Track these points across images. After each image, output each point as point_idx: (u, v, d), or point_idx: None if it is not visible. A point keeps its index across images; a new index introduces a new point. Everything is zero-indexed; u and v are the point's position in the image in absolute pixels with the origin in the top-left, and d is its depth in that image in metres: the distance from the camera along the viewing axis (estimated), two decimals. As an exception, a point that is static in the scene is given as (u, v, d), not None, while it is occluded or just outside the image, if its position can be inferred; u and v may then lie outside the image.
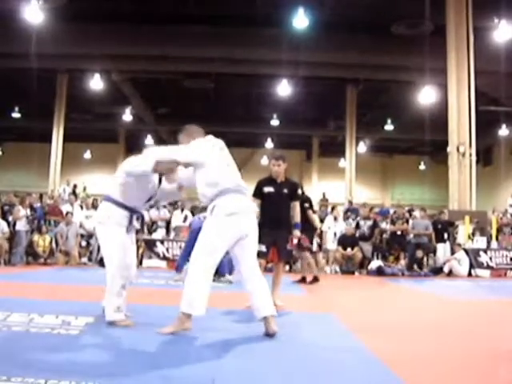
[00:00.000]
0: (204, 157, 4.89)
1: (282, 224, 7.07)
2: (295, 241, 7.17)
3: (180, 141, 5.25)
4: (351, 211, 18.36)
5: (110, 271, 5.08)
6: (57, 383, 3.02)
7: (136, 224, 5.37)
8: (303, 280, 10.77)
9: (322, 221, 16.36)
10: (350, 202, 23.59)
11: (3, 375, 3.11)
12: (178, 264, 10.80)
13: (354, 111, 26.23)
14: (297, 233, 7.14)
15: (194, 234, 11.09)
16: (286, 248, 7.10)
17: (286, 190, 7.13)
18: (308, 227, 10.08)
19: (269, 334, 4.81)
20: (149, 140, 34.98)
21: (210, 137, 5.23)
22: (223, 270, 10.39)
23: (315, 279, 10.70)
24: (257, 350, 4.31)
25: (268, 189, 7.17)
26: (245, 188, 5.03)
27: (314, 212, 11.07)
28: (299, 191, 7.48)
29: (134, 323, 5.09)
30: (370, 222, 15.75)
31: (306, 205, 10.10)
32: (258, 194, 7.21)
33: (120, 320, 5.04)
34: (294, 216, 7.22)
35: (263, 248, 7.10)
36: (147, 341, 4.45)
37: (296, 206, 7.22)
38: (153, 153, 5.00)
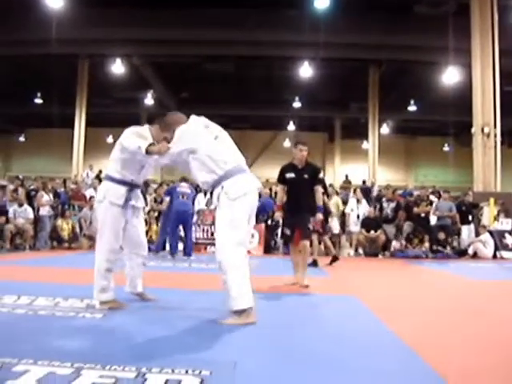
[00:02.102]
0: (197, 141, 4.78)
1: (303, 207, 7.26)
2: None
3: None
4: (364, 191, 18.30)
5: (98, 252, 5.11)
6: (82, 366, 3.04)
7: (137, 202, 5.28)
8: (314, 263, 10.65)
9: (344, 203, 16.33)
10: (364, 182, 23.52)
11: (30, 358, 3.14)
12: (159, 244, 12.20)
13: (377, 92, 26.01)
14: (319, 216, 7.29)
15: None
16: (307, 228, 7.33)
17: (306, 176, 7.32)
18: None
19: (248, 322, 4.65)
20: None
21: (192, 118, 5.15)
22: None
23: (314, 263, 10.55)
24: (279, 333, 4.30)
25: (290, 175, 7.42)
26: (245, 166, 4.89)
27: (328, 195, 11.02)
28: (320, 175, 7.48)
29: (125, 305, 5.13)
30: (393, 204, 15.65)
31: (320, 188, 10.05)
32: (281, 180, 7.57)
33: (107, 300, 5.03)
34: (316, 199, 7.33)
35: (287, 232, 7.46)
36: (171, 324, 4.47)
37: (318, 190, 7.37)
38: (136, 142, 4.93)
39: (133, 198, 5.20)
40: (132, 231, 5.28)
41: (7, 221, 13.47)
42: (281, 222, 14.84)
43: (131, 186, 5.18)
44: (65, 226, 14.35)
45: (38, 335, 3.95)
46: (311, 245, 10.66)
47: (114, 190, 5.09)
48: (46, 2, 17.03)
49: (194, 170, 4.80)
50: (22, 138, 38.68)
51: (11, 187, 15.47)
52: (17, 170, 33.89)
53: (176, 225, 11.93)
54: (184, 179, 12.25)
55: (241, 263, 4.54)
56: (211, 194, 4.78)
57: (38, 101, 29.68)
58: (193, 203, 12.82)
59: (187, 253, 11.90)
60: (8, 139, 38.52)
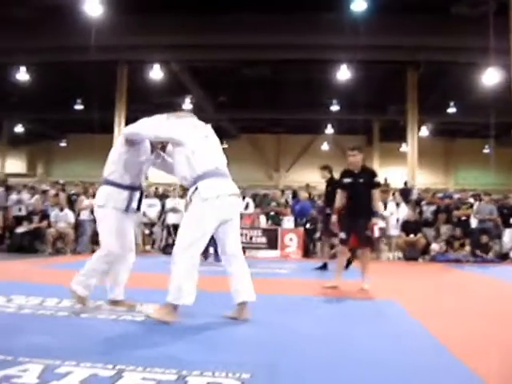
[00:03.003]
0: (184, 134, 4.82)
1: (359, 212, 7.38)
2: (376, 228, 7.60)
3: None
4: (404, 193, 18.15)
5: (98, 253, 5.14)
6: (124, 368, 3.07)
7: (135, 204, 5.25)
8: (324, 267, 10.59)
9: (383, 206, 16.20)
10: (405, 184, 23.30)
11: (72, 360, 3.19)
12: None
13: (415, 94, 25.69)
14: (375, 220, 7.37)
15: None
16: (365, 234, 7.42)
17: (361, 180, 7.45)
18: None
19: (236, 319, 4.83)
20: (209, 129, 35.19)
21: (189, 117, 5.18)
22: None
23: (324, 266, 10.56)
24: (318, 336, 4.29)
25: (346, 180, 7.63)
26: (225, 170, 4.91)
27: None
28: (376, 179, 7.52)
29: (87, 306, 5.14)
30: (433, 207, 15.48)
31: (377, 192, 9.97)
32: (340, 185, 7.79)
33: (80, 294, 5.09)
34: (373, 204, 7.40)
35: (343, 235, 7.56)
36: (209, 328, 4.50)
37: (375, 194, 7.42)
38: (139, 126, 5.07)
39: (133, 202, 5.20)
40: (125, 235, 5.26)
41: (49, 225, 13.69)
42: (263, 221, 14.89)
43: (132, 190, 5.18)
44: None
45: (80, 337, 4.02)
46: (324, 249, 10.71)
47: (117, 195, 5.09)
48: (85, 9, 17.28)
49: (177, 163, 4.87)
50: (63, 144, 39.24)
51: (52, 192, 15.72)
52: (58, 174, 34.39)
53: None
54: None
55: (188, 261, 4.57)
56: (188, 190, 4.85)
57: (79, 107, 30.06)
58: None
59: (218, 258, 11.54)
60: (49, 145, 39.17)
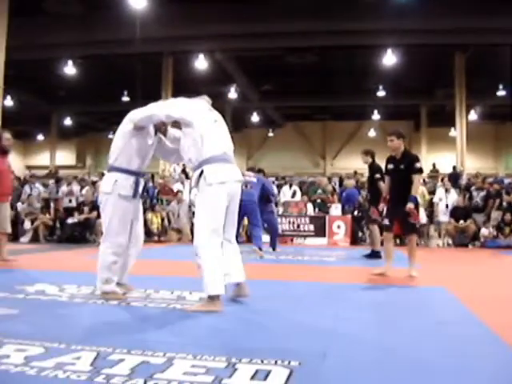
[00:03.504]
0: (194, 115, 4.83)
1: (401, 199, 7.21)
2: (420, 214, 7.48)
3: None
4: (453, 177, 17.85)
5: (104, 246, 5.09)
6: (174, 356, 3.11)
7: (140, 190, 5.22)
8: (374, 254, 10.25)
9: (432, 192, 16.00)
10: (454, 168, 22.94)
11: (124, 348, 3.24)
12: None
13: (463, 78, 25.22)
14: (410, 205, 7.11)
15: None
16: (408, 221, 7.26)
17: (402, 166, 7.35)
18: (378, 199, 9.84)
19: (240, 296, 5.01)
20: (254, 117, 35.24)
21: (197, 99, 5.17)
22: (258, 243, 10.39)
23: (374, 254, 10.22)
24: (367, 323, 4.27)
25: (390, 166, 7.61)
26: (231, 156, 4.92)
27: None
28: (418, 165, 7.35)
29: (125, 296, 5.14)
30: (483, 193, 15.21)
31: (377, 175, 9.77)
32: (385, 171, 7.80)
33: (110, 291, 5.07)
34: (411, 189, 7.25)
35: (386, 222, 7.53)
36: (260, 315, 4.52)
37: (415, 180, 7.26)
38: (148, 109, 5.06)
39: (139, 187, 5.18)
40: (134, 221, 5.25)
41: (99, 216, 13.91)
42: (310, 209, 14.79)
43: (138, 175, 5.17)
44: (154, 220, 14.70)
45: (131, 326, 4.08)
46: (374, 236, 10.43)
47: (124, 181, 5.06)
48: (129, 2, 17.43)
49: (184, 145, 4.87)
50: (110, 135, 39.70)
51: (100, 183, 15.96)
52: (106, 166, 34.98)
53: (241, 218, 10.79)
54: (251, 168, 11.93)
55: (214, 250, 4.59)
56: (193, 174, 4.85)
57: (125, 99, 30.40)
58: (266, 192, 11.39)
59: (260, 245, 10.71)
60: (97, 136, 39.75)
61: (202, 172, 4.65)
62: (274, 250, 11.33)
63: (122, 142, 5.13)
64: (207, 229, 4.59)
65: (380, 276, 7.28)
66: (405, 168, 7.33)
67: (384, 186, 8.01)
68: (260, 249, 10.25)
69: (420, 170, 7.36)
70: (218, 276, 4.56)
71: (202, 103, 5.08)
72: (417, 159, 7.50)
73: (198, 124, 4.77)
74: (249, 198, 10.55)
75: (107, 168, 5.27)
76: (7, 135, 8.57)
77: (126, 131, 5.12)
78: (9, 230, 8.95)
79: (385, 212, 7.74)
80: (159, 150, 5.42)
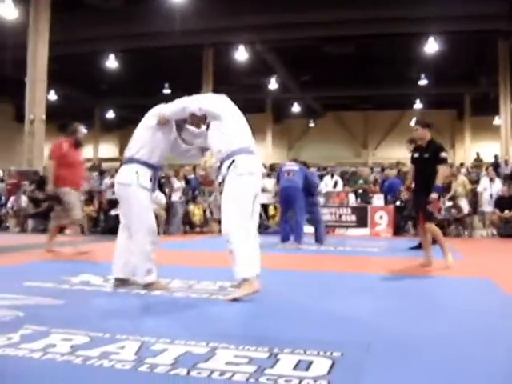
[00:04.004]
0: (222, 109, 4.93)
1: (424, 188, 7.16)
2: (441, 204, 7.36)
3: None
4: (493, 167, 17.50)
5: (141, 236, 5.05)
6: (217, 346, 3.13)
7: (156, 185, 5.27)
8: (420, 246, 10.12)
9: (476, 182, 15.76)
10: (495, 158, 22.56)
11: (167, 338, 3.27)
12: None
13: (508, 65, 24.74)
14: (433, 195, 7.02)
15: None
16: (427, 210, 7.13)
17: (426, 155, 7.26)
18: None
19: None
20: (295, 108, 35.15)
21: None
22: (297, 234, 10.24)
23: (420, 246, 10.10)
24: (411, 314, 4.24)
25: (415, 154, 7.52)
26: (255, 149, 5.02)
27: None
28: (443, 154, 7.22)
29: (169, 287, 5.21)
30: (529, 182, 14.93)
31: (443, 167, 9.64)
32: (411, 160, 7.68)
33: (153, 282, 5.07)
34: (436, 179, 7.13)
35: (413, 213, 7.66)
36: (301, 306, 4.52)
37: (440, 169, 7.12)
38: (179, 103, 5.08)
39: (156, 181, 5.23)
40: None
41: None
42: (352, 199, 14.64)
43: (156, 169, 5.20)
44: (196, 211, 14.82)
45: (174, 316, 4.12)
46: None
47: (144, 174, 5.06)
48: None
49: (212, 137, 4.94)
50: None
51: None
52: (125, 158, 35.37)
53: (284, 206, 10.83)
54: (294, 160, 11.60)
55: (246, 234, 4.62)
56: (220, 166, 4.87)
57: (167, 91, 30.62)
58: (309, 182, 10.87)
59: (296, 238, 10.46)
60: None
61: (232, 162, 4.72)
62: (321, 243, 10.86)
63: (146, 136, 5.16)
64: (237, 215, 4.65)
65: (423, 267, 7.20)
66: (429, 157, 7.22)
67: (409, 174, 7.95)
68: (299, 242, 10.18)
69: (444, 160, 7.22)
70: (252, 258, 4.62)
71: (225, 98, 5.16)
72: (442, 148, 7.36)
73: (226, 117, 4.90)
74: (291, 184, 10.46)
75: (125, 160, 5.26)
76: (82, 129, 8.89)
77: (149, 125, 5.16)
78: (78, 216, 9.14)
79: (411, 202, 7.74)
80: (174, 147, 5.41)
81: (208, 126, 5.02)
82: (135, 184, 5.02)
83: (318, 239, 10.93)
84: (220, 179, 4.86)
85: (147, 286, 5.06)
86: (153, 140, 5.12)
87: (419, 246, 9.99)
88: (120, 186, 5.16)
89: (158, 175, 5.35)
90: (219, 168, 4.90)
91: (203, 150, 5.47)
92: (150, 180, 5.11)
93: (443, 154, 7.20)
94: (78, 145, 8.85)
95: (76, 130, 8.77)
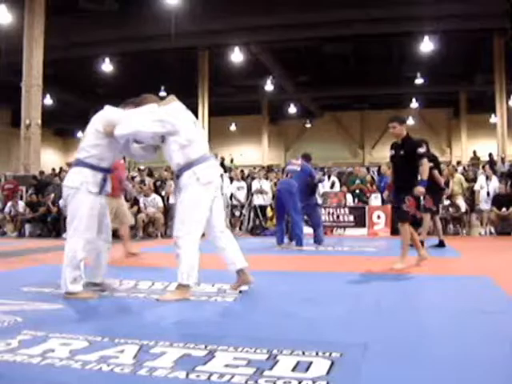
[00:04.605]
0: (177, 121, 4.89)
1: (400, 185, 7.08)
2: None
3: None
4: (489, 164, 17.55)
5: (75, 241, 4.88)
6: (216, 348, 3.13)
7: (108, 187, 5.11)
8: (440, 244, 10.08)
9: (473, 180, 15.77)
10: (490, 156, 22.59)
11: (166, 341, 3.27)
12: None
13: (503, 63, 24.77)
14: (419, 188, 6.86)
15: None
16: (400, 209, 6.98)
17: (402, 152, 7.06)
18: (433, 188, 9.66)
19: (247, 283, 5.11)
20: (291, 109, 35.16)
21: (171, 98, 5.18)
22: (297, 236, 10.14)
23: (440, 244, 10.06)
24: (409, 314, 4.24)
25: (391, 152, 7.31)
26: (210, 154, 5.14)
27: (440, 172, 10.34)
28: (420, 150, 6.99)
29: (97, 295, 5.01)
30: (526, 179, 14.94)
31: (431, 164, 9.64)
32: (390, 158, 7.43)
33: (77, 291, 4.85)
34: (420, 174, 6.99)
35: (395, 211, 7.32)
36: (299, 307, 4.52)
37: (423, 164, 6.94)
38: (132, 124, 4.90)
39: (106, 184, 5.08)
40: (101, 217, 5.12)
41: (139, 210, 14.05)
42: (350, 199, 14.48)
43: (106, 172, 5.06)
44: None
45: (172, 319, 4.12)
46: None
47: (92, 178, 4.92)
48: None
49: (170, 151, 4.90)
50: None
51: (138, 179, 16.11)
52: (147, 161, 35.33)
53: (278, 209, 10.71)
54: (304, 156, 11.10)
55: (195, 242, 4.79)
56: (178, 176, 4.92)
57: (162, 94, 30.58)
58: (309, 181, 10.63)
59: (297, 241, 10.28)
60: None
61: (192, 172, 4.80)
62: (319, 244, 10.66)
63: (95, 140, 5.00)
64: (190, 222, 4.78)
65: (419, 264, 7.19)
66: (405, 154, 7.01)
67: (389, 173, 7.84)
68: (300, 245, 10.07)
69: (423, 156, 7.02)
70: (194, 267, 4.78)
71: (179, 105, 5.10)
72: (418, 144, 7.10)
73: (183, 128, 4.88)
74: (285, 186, 10.35)
75: (74, 162, 5.09)
76: None
77: (99, 130, 5.00)
78: (131, 221, 9.16)
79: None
80: (126, 148, 5.27)
81: (163, 140, 4.94)
82: (84, 188, 4.90)
83: (317, 240, 10.74)
84: (180, 187, 4.86)
85: (69, 295, 4.84)
86: (103, 144, 4.98)
87: (439, 245, 9.96)
88: (67, 190, 5.00)
89: (109, 177, 5.16)
90: (178, 178, 4.94)
91: (156, 147, 5.30)
92: (100, 184, 4.98)
93: (420, 150, 6.98)
94: None
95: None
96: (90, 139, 5.02)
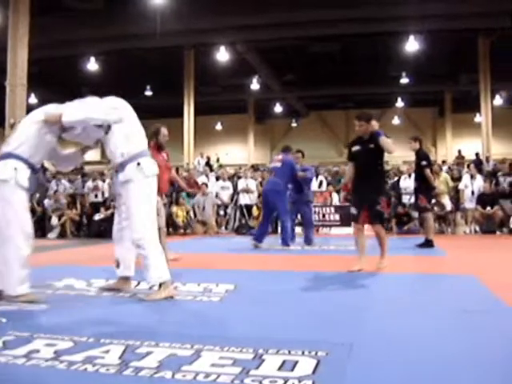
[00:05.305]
0: (124, 110, 4.91)
1: (370, 183, 6.69)
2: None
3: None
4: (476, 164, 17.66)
5: (18, 240, 4.53)
6: (202, 348, 3.13)
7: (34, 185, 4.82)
8: (427, 243, 9.90)
9: (458, 179, 15.85)
10: (477, 155, 22.75)
11: (151, 341, 3.27)
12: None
13: (487, 63, 24.90)
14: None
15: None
16: (376, 209, 6.71)
17: (372, 145, 6.63)
18: (425, 186, 9.71)
19: (123, 290, 5.11)
20: (277, 108, 35.18)
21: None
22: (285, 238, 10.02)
23: (428, 243, 9.87)
24: (394, 313, 4.26)
25: (355, 148, 6.90)
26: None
27: (432, 171, 10.33)
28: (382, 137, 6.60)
29: (40, 297, 4.72)
30: (510, 179, 15.03)
31: (424, 162, 9.66)
32: (349, 156, 7.07)
33: (25, 293, 4.58)
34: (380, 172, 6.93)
35: (354, 211, 6.87)
36: (286, 306, 4.53)
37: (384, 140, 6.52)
38: (80, 112, 4.74)
39: (35, 181, 4.80)
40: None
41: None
42: (336, 199, 14.30)
43: (34, 170, 4.77)
44: (180, 213, 14.78)
45: (158, 319, 4.13)
46: (429, 225, 10.09)
47: (22, 171, 4.63)
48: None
49: (116, 139, 4.84)
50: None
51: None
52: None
53: (264, 210, 10.58)
54: (283, 149, 10.74)
55: (156, 238, 4.80)
56: (119, 170, 4.84)
57: (148, 93, 30.55)
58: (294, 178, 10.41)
59: (283, 241, 10.19)
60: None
61: (138, 164, 4.77)
62: (309, 244, 10.56)
63: (30, 131, 4.74)
64: (149, 220, 4.77)
65: (359, 271, 6.66)
66: (375, 147, 6.57)
67: (347, 172, 7.41)
68: (287, 244, 10.03)
69: (385, 136, 6.71)
70: (164, 262, 4.76)
71: (122, 100, 5.06)
72: (386, 136, 6.72)
73: (128, 118, 4.89)
74: (270, 187, 10.28)
75: (3, 155, 4.74)
76: (165, 131, 8.20)
77: (36, 119, 4.77)
78: (161, 225, 8.61)
79: (351, 200, 7.27)
80: (53, 153, 5.03)
81: (107, 131, 4.85)
82: (13, 181, 4.57)
83: (307, 240, 10.65)
84: (122, 180, 4.80)
85: (20, 298, 4.55)
86: (36, 136, 4.72)
87: (426, 243, 9.93)
88: None
89: (37, 178, 4.90)
90: (118, 171, 4.86)
91: (84, 151, 5.20)
92: (29, 180, 4.67)
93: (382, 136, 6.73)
94: (161, 147, 8.06)
95: (158, 131, 8.07)
96: (24, 130, 4.79)
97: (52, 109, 4.88)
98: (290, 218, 10.40)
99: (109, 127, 4.82)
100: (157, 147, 7.89)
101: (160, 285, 4.76)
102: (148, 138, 7.72)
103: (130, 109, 4.98)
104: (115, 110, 4.84)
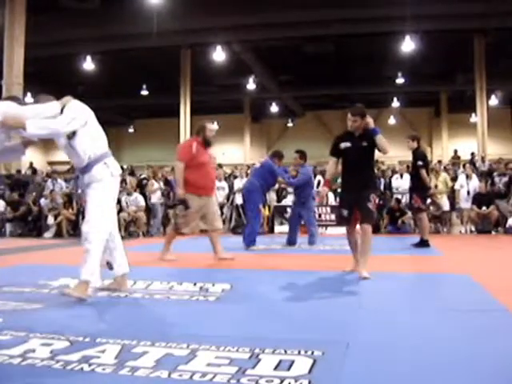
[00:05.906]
0: (89, 113, 4.87)
1: (362, 183, 6.28)
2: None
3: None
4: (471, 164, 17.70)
5: None
6: (198, 347, 3.12)
7: None
8: (422, 243, 9.90)
9: (453, 179, 15.88)
10: (472, 155, 22.80)
11: (148, 340, 3.27)
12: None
13: (483, 63, 24.95)
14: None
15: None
16: (368, 208, 6.24)
17: (365, 143, 6.27)
18: (420, 187, 9.71)
19: (122, 289, 5.09)
20: (273, 107, 35.19)
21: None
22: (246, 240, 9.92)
23: (423, 243, 9.86)
24: (391, 312, 4.26)
25: (345, 144, 6.43)
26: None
27: (428, 172, 10.31)
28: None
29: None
30: (505, 179, 15.06)
31: (420, 162, 9.67)
32: (334, 152, 6.58)
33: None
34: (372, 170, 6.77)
35: (345, 213, 6.42)
36: (281, 306, 4.53)
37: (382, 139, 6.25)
38: (45, 125, 4.59)
39: None
40: None
41: (121, 209, 14.01)
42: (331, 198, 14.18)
43: None
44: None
45: (154, 318, 4.12)
46: (424, 225, 10.08)
47: None
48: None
49: (82, 142, 4.78)
50: (131, 129, 39.99)
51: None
52: (127, 160, 35.07)
53: (244, 210, 10.68)
54: (272, 154, 10.76)
55: (104, 240, 4.75)
56: (85, 171, 4.83)
57: (144, 92, 30.53)
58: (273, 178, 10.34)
59: (246, 242, 9.98)
60: (118, 131, 39.89)
61: (105, 163, 4.82)
62: (311, 244, 10.43)
63: None
64: (104, 218, 4.75)
65: (351, 272, 6.50)
66: (369, 145, 6.25)
67: (329, 168, 6.87)
68: (247, 245, 9.81)
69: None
70: (98, 265, 4.73)
71: (80, 103, 4.96)
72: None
73: (91, 122, 4.87)
74: (246, 186, 10.42)
75: None
76: (211, 126, 8.04)
77: None
78: (220, 226, 8.38)
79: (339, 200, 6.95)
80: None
81: (73, 134, 4.76)
82: None
83: (310, 241, 10.53)
84: (88, 181, 4.80)
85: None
86: None
87: (421, 243, 9.93)
88: None
89: None
90: (84, 172, 4.84)
91: (26, 145, 4.97)
92: None
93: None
94: (207, 144, 7.92)
95: (204, 127, 7.92)
96: None
97: (12, 109, 4.63)
98: (256, 218, 10.22)
99: (73, 132, 4.77)
100: (203, 144, 7.85)
101: (84, 282, 4.65)
102: (195, 134, 7.67)
103: (89, 111, 4.92)
104: (79, 118, 4.74)
